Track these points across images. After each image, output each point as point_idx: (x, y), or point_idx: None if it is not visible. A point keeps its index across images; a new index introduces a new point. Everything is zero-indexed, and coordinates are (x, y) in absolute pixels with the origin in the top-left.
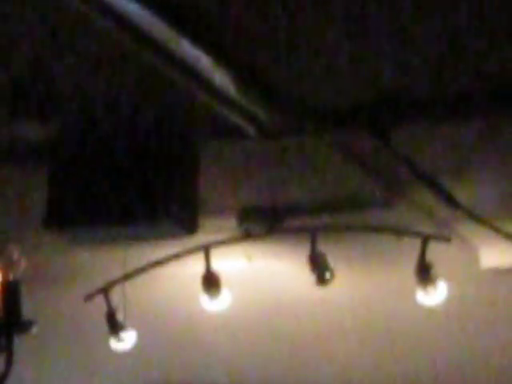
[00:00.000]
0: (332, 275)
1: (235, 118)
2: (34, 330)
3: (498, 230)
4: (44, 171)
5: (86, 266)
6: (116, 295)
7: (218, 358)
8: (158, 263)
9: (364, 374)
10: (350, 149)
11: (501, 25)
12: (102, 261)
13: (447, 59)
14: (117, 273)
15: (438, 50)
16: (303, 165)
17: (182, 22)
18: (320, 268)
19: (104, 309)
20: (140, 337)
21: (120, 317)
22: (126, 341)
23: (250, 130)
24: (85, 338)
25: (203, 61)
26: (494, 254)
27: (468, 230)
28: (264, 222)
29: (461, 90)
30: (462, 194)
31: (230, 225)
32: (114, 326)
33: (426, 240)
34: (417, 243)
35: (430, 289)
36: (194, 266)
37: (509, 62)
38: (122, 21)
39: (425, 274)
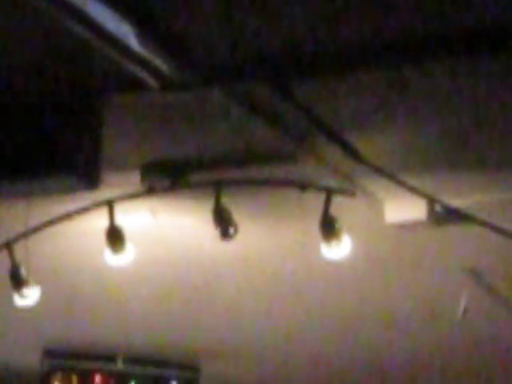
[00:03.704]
0: (236, 230)
1: (137, 70)
2: None
3: (402, 184)
4: None
5: None
6: (19, 251)
7: (122, 313)
8: (62, 218)
9: (271, 328)
10: (252, 102)
11: None
12: (3, 216)
13: (350, 9)
14: (19, 228)
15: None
16: (206, 118)
17: None
18: (224, 222)
19: (7, 264)
20: (43, 292)
21: (23, 272)
22: (30, 297)
23: (153, 82)
24: None
25: (103, 11)
26: (398, 209)
27: (373, 183)
28: (168, 176)
29: (364, 41)
30: (366, 148)
31: (133, 180)
32: (18, 282)
33: (329, 194)
34: (322, 197)
35: (334, 243)
36: (98, 221)
37: (415, 13)
38: None
39: (329, 228)
